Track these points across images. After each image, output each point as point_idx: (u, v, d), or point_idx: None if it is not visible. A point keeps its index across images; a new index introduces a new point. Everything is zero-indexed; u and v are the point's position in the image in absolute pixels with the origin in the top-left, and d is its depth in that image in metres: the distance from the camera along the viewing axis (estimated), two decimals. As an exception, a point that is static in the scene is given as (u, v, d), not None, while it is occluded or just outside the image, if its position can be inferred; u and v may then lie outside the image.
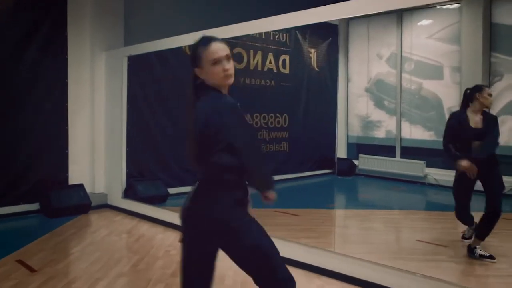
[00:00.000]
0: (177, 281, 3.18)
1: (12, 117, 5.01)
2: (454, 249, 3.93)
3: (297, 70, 8.19)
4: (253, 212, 1.82)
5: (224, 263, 1.88)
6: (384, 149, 8.24)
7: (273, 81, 7.75)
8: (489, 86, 6.81)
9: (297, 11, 3.58)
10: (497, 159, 3.63)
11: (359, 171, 8.34)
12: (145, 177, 5.88)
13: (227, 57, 1.87)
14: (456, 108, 7.20)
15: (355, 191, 7.81)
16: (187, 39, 4.48)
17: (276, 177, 7.55)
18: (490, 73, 6.87)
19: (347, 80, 9.01)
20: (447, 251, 3.91)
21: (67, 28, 5.46)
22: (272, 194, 1.90)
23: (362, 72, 8.77)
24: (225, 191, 1.72)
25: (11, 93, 5.00)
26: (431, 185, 7.20)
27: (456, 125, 3.71)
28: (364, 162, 8.32)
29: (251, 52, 7.43)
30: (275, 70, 7.82)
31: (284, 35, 7.97)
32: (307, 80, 8.38)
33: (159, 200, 5.61)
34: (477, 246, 3.59)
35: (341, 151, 8.90)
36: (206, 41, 1.86)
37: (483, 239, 3.60)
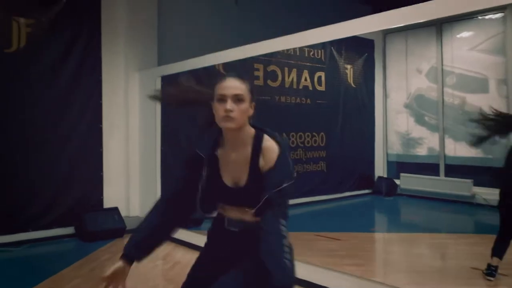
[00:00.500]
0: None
1: (46, 139, 4.99)
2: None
3: (333, 87, 7.98)
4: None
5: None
6: (427, 167, 7.88)
7: (308, 99, 7.56)
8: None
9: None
10: None
11: (401, 190, 8.00)
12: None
13: (236, 98, 1.69)
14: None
15: (398, 212, 7.47)
16: (219, 58, 4.38)
17: (314, 198, 7.42)
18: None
19: (385, 96, 8.75)
20: (508, 280, 3.57)
21: (101, 48, 5.46)
22: None
23: (401, 88, 8.49)
24: None
25: (45, 115, 5.00)
26: (480, 205, 6.78)
27: None
28: (406, 181, 7.97)
29: (286, 69, 7.29)
30: (310, 88, 7.64)
31: (319, 51, 7.80)
32: (344, 97, 8.16)
33: (195, 223, 5.45)
34: None
35: (380, 170, 8.58)
36: (225, 75, 1.76)
37: None
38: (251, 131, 1.78)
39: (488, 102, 7.08)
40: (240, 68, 5.93)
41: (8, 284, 3.67)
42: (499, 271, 3.59)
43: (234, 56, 4.48)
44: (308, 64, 7.65)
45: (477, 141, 3.23)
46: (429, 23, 7.64)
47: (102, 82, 5.48)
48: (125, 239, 5.01)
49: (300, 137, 7.42)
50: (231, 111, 1.66)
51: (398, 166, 8.40)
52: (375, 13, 3.21)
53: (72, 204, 5.13)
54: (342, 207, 7.42)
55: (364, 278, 3.33)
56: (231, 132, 1.74)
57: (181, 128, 5.91)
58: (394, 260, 4.53)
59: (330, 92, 7.92)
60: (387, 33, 8.61)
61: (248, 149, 1.76)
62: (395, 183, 8.11)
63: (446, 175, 7.66)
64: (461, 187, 7.16)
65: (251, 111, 1.76)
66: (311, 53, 7.69)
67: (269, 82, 7.05)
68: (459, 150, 7.52)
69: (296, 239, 1.70)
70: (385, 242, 5.44)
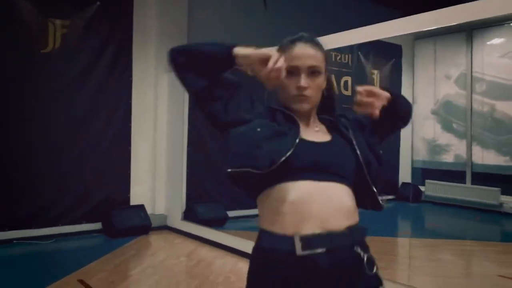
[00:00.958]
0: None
1: (78, 137, 5.13)
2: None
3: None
4: None
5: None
6: (453, 175, 7.74)
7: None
8: None
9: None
10: None
11: (426, 197, 7.87)
12: (205, 199, 5.82)
13: (312, 70, 1.30)
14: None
15: (422, 218, 7.36)
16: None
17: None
18: None
19: (412, 101, 8.64)
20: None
21: (132, 51, 5.58)
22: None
23: (428, 94, 8.38)
24: None
25: (78, 114, 5.14)
26: (507, 214, 6.63)
27: None
28: (431, 188, 7.84)
29: (312, 73, 7.28)
30: (336, 92, 7.60)
31: (346, 56, 7.77)
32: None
33: (218, 223, 5.51)
34: None
35: (405, 176, 8.48)
36: (295, 39, 1.35)
37: None
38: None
39: (518, 109, 6.97)
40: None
41: (38, 276, 3.78)
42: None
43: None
44: (335, 68, 7.63)
45: None
46: (459, 29, 7.53)
47: (133, 83, 5.60)
48: (150, 236, 5.13)
49: (325, 141, 7.38)
50: (305, 88, 1.28)
51: (424, 173, 8.28)
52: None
53: (100, 201, 5.25)
54: (365, 211, 7.34)
55: (387, 279, 3.30)
56: (300, 114, 1.33)
57: (207, 130, 5.98)
58: (418, 265, 4.47)
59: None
60: (416, 39, 8.52)
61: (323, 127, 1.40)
62: (419, 189, 8.01)
63: (473, 182, 7.51)
64: (489, 195, 7.01)
65: (324, 85, 1.38)
66: (338, 57, 7.67)
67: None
68: (487, 157, 7.37)
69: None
70: (409, 247, 5.38)
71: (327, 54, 1.39)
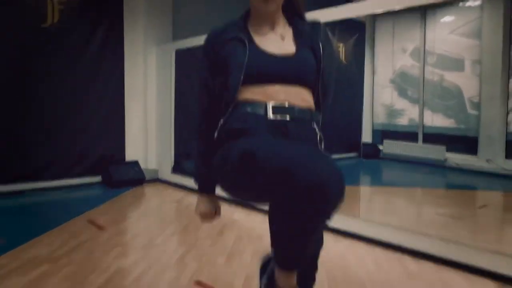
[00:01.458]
0: (221, 239, 3.39)
1: (79, 104, 5.32)
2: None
3: (326, 62, 8.17)
4: None
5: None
6: (407, 135, 8.22)
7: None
8: (508, 78, 6.71)
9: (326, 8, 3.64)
10: None
11: (383, 155, 8.35)
12: (191, 155, 6.09)
13: None
14: (476, 97, 7.12)
15: (380, 172, 7.84)
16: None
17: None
18: (510, 66, 6.75)
19: (373, 72, 9.00)
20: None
21: (124, 26, 5.72)
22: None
23: (387, 65, 8.73)
24: None
25: (78, 83, 5.31)
26: (451, 167, 7.15)
27: None
28: (388, 147, 8.31)
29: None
30: None
31: (315, 31, 7.96)
32: (336, 72, 8.40)
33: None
34: None
35: (366, 137, 8.91)
36: None
37: None
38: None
39: (463, 79, 7.39)
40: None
41: (50, 218, 4.02)
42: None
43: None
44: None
45: None
46: (414, 9, 7.83)
47: (125, 55, 5.76)
48: (144, 187, 5.42)
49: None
50: None
51: (383, 134, 8.74)
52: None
53: (100, 157, 5.50)
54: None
55: (350, 214, 3.65)
56: (266, 17, 1.31)
57: (191, 95, 6.20)
58: (373, 206, 4.89)
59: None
60: (376, 17, 8.79)
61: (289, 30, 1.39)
62: (378, 148, 8.48)
63: (424, 142, 8.01)
64: (436, 152, 7.52)
65: None
66: (308, 32, 7.86)
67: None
68: (436, 120, 7.84)
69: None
70: (367, 193, 5.80)
71: None
